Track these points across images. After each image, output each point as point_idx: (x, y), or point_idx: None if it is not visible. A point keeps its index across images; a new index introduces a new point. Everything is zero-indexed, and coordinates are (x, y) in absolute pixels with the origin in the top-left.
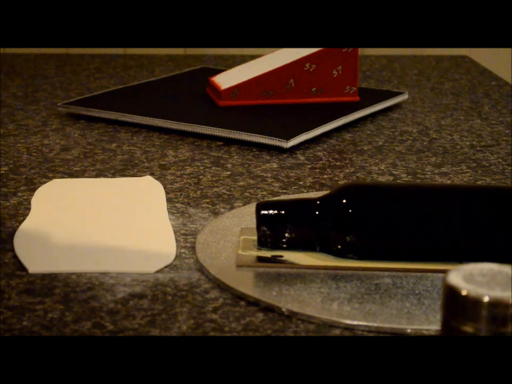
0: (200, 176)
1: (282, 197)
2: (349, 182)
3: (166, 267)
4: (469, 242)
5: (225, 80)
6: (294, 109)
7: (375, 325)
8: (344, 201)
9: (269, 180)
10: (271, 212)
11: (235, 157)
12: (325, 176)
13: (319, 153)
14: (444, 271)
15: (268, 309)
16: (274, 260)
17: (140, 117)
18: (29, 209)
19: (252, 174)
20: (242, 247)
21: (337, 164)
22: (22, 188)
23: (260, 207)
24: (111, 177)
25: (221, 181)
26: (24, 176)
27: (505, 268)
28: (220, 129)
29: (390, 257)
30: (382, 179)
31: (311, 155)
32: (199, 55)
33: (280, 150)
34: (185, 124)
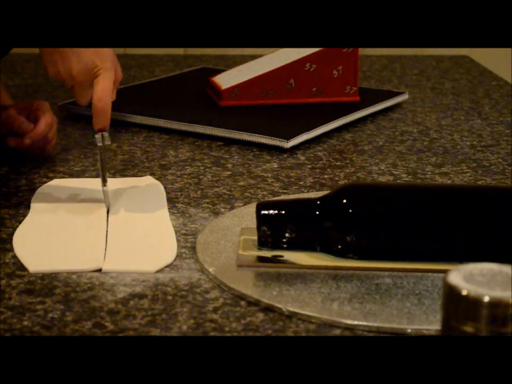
0: (201, 176)
1: (283, 197)
2: (349, 182)
3: (166, 267)
4: (469, 242)
5: (226, 80)
6: (294, 109)
7: (376, 325)
8: (344, 201)
9: (269, 180)
10: (271, 211)
11: (235, 157)
12: (325, 176)
13: (319, 153)
14: (444, 271)
15: (268, 309)
16: (274, 260)
17: (140, 117)
18: (29, 209)
19: (252, 174)
20: (242, 247)
21: (338, 164)
22: (22, 187)
23: (260, 207)
24: (111, 177)
25: (221, 181)
26: (24, 176)
27: (505, 268)
28: (220, 129)
29: (390, 257)
30: (382, 179)
31: (311, 155)
32: (199, 55)
33: (281, 150)
34: (185, 124)
